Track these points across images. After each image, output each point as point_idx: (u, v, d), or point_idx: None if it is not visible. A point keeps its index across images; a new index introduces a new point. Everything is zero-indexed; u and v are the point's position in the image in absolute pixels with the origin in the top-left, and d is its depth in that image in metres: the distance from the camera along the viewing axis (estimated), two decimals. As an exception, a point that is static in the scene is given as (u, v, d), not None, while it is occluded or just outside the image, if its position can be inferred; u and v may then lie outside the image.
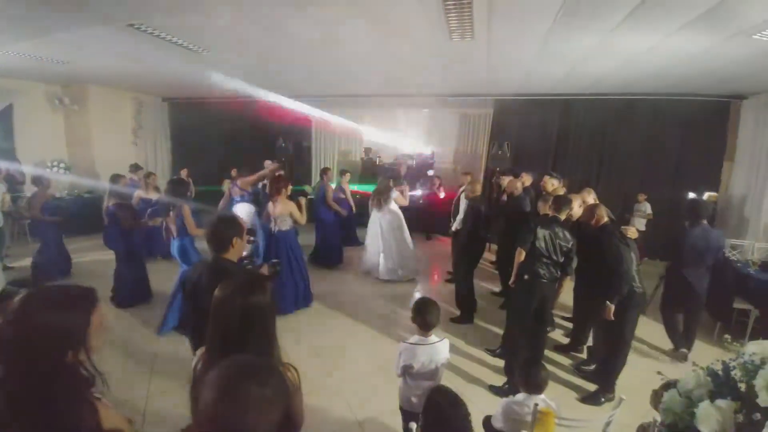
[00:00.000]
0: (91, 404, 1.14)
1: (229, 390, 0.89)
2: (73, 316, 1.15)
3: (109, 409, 1.18)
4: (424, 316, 2.45)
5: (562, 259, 3.62)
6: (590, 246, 3.62)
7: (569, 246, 3.63)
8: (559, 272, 3.67)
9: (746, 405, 1.10)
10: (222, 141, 10.38)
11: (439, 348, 2.48)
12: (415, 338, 2.50)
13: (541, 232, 3.57)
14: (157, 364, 3.91)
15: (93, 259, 6.80)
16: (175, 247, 4.49)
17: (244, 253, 2.95)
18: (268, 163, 8.20)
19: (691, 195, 7.02)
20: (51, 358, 1.10)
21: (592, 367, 3.98)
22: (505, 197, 5.69)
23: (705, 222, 4.19)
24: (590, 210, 3.77)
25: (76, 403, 1.11)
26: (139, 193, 6.42)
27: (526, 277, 3.63)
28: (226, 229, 2.35)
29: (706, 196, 7.20)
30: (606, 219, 3.66)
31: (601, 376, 3.67)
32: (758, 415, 1.11)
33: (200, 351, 1.57)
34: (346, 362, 4.11)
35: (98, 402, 1.16)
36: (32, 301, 1.14)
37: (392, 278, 6.41)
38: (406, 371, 2.47)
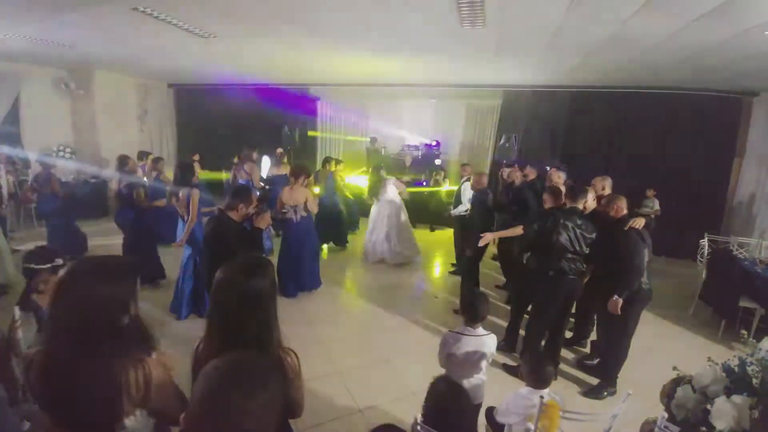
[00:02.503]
0: (143, 361, 1.26)
1: (212, 394, 0.86)
2: (125, 284, 1.25)
3: (157, 363, 1.31)
4: (476, 308, 2.46)
5: (587, 251, 3.46)
6: (603, 238, 3.46)
7: (593, 236, 3.45)
8: (584, 266, 3.53)
9: (762, 401, 1.08)
10: (227, 128, 10.30)
11: (486, 341, 2.47)
12: (461, 327, 2.51)
13: (564, 225, 3.40)
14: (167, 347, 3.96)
15: (103, 243, 6.76)
16: (182, 230, 4.49)
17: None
18: (280, 152, 8.16)
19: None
20: (109, 323, 1.21)
21: (595, 361, 3.96)
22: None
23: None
24: (612, 200, 3.59)
25: (130, 362, 1.23)
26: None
27: (551, 273, 3.49)
28: (237, 195, 3.35)
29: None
30: (625, 211, 3.51)
31: (603, 370, 3.66)
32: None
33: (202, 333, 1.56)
34: (349, 349, 4.11)
35: (149, 358, 1.29)
36: (85, 272, 1.20)
37: (399, 261, 6.59)
38: (450, 360, 2.47)
